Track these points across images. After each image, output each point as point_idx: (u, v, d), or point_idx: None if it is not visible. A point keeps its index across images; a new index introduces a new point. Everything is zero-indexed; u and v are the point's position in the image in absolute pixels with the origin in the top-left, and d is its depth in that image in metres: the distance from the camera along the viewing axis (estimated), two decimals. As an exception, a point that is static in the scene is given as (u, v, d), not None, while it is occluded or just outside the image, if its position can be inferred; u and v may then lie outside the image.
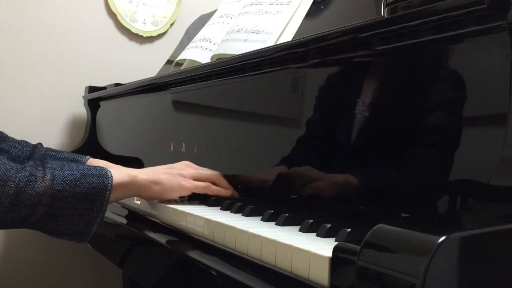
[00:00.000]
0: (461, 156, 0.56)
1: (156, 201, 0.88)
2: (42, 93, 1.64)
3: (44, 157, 1.05)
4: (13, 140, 1.10)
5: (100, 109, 1.64)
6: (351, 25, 0.68)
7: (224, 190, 0.88)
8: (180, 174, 0.87)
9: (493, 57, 0.55)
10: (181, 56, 1.33)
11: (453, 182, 0.57)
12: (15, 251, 1.61)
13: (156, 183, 0.83)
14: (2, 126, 1.56)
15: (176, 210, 0.80)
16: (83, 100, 1.69)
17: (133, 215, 0.96)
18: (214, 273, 0.63)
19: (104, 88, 1.60)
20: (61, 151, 1.10)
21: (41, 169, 0.72)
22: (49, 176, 0.71)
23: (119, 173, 0.79)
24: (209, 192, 0.87)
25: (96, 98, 1.62)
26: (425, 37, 0.60)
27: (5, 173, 0.69)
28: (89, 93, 1.64)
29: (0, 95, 1.57)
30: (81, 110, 1.71)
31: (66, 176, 0.72)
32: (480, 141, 0.54)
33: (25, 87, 1.61)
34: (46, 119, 1.66)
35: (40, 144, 1.13)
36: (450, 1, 0.55)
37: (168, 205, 0.84)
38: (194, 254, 0.69)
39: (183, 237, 0.76)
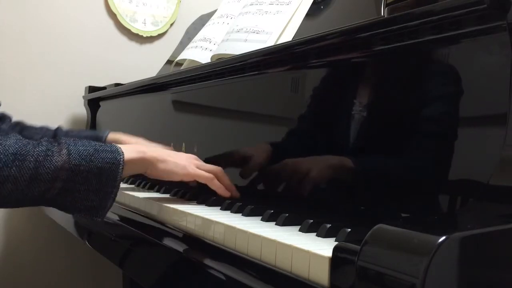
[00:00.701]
0: (461, 156, 0.56)
1: (162, 178, 0.88)
2: (42, 93, 1.64)
3: (67, 136, 1.09)
4: (33, 127, 1.17)
5: (100, 109, 1.64)
6: (351, 25, 0.68)
7: (224, 189, 0.88)
8: (186, 158, 0.88)
9: (493, 57, 0.55)
10: (181, 56, 1.33)
11: (453, 182, 0.57)
12: (15, 251, 1.61)
13: (162, 161, 0.84)
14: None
15: (176, 210, 0.80)
16: (83, 100, 1.69)
17: (133, 215, 0.96)
18: (214, 273, 0.63)
19: (104, 88, 1.60)
20: (82, 130, 1.16)
21: (56, 144, 0.74)
22: (65, 151, 0.73)
23: (129, 149, 0.80)
24: (210, 185, 0.87)
25: (96, 98, 1.62)
26: (425, 37, 0.60)
27: (23, 148, 0.70)
28: (89, 93, 1.64)
29: (0, 95, 1.57)
30: (81, 110, 1.71)
31: (81, 151, 0.74)
32: (480, 141, 0.54)
33: (25, 87, 1.61)
34: (46, 119, 1.65)
35: (60, 127, 1.19)
36: (450, 1, 0.55)
37: (168, 205, 0.84)
38: (194, 254, 0.69)
39: (183, 237, 0.76)
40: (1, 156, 0.68)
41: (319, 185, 0.75)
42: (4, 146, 0.69)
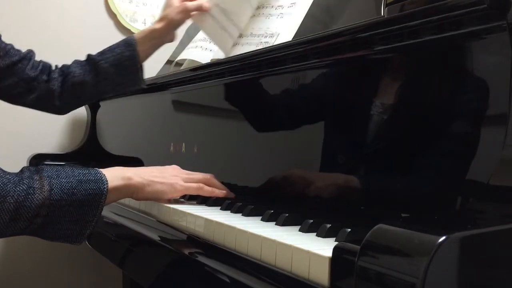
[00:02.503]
0: (461, 156, 0.56)
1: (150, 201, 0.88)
2: (42, 93, 1.63)
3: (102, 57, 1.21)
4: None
5: (100, 109, 1.64)
6: (351, 25, 0.68)
7: (217, 190, 0.87)
8: (173, 175, 0.87)
9: (493, 57, 0.55)
10: (181, 56, 1.33)
11: (453, 182, 0.57)
12: (15, 251, 1.61)
13: (149, 185, 0.83)
14: (2, 126, 1.57)
15: (176, 210, 0.80)
16: (83, 100, 1.68)
17: (133, 215, 0.96)
18: (214, 273, 0.63)
19: (104, 88, 1.60)
20: (112, 47, 1.28)
21: (38, 178, 0.72)
22: (47, 187, 0.71)
23: (113, 176, 0.79)
24: (201, 193, 0.87)
25: (96, 98, 1.62)
26: (425, 37, 0.60)
27: (3, 188, 0.68)
28: (89, 93, 1.64)
29: (0, 95, 1.57)
30: (81, 110, 1.70)
31: (63, 185, 0.72)
32: (480, 141, 0.54)
33: (25, 87, 1.61)
34: (46, 119, 1.65)
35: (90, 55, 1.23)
36: (450, 1, 0.55)
37: (168, 205, 0.84)
38: (194, 254, 0.69)
39: (183, 237, 0.76)
40: None
41: (321, 189, 0.75)
42: None
